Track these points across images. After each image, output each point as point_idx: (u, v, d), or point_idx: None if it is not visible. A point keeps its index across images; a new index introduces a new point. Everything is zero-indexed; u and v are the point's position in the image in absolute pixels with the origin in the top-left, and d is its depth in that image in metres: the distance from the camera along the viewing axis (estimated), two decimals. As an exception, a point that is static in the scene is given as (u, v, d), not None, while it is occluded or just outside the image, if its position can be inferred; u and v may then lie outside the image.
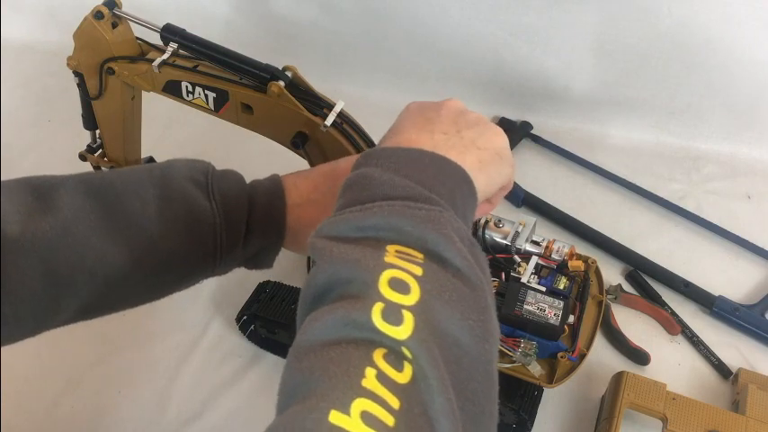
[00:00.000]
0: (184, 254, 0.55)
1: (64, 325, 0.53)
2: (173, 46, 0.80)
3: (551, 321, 0.73)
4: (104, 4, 0.80)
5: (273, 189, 0.59)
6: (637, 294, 0.97)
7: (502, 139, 0.54)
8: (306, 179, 0.61)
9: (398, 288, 0.36)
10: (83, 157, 0.97)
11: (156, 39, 0.81)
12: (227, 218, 0.56)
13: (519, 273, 0.77)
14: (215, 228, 0.55)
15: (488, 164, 0.51)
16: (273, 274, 0.94)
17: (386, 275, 0.36)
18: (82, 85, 0.87)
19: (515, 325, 0.74)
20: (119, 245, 0.51)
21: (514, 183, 1.10)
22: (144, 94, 0.88)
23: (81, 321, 0.55)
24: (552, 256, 0.79)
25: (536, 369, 0.76)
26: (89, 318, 0.55)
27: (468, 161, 0.49)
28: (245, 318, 0.90)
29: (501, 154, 0.53)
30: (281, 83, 0.75)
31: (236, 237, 0.56)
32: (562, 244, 0.80)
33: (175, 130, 1.20)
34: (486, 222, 0.82)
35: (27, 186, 0.51)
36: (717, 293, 0.95)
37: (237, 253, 0.58)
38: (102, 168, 0.98)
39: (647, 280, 0.98)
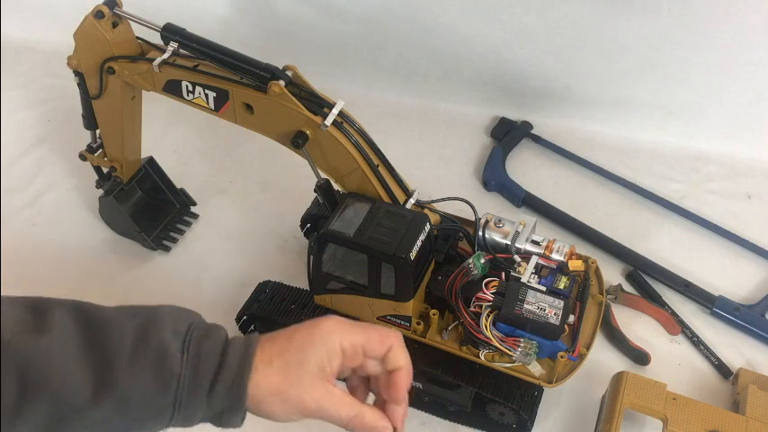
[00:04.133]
0: (143, 395, 0.57)
1: None
2: (173, 45, 0.80)
3: (551, 321, 0.73)
4: (105, 3, 0.80)
5: (245, 352, 0.61)
6: (637, 294, 0.96)
7: None
8: (274, 343, 0.62)
9: None
10: (83, 157, 0.97)
11: (156, 38, 0.82)
12: (193, 372, 0.58)
13: (519, 272, 0.77)
14: (179, 378, 0.58)
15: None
16: (273, 274, 0.95)
17: None
18: (82, 84, 0.87)
19: (515, 324, 0.74)
20: (86, 374, 0.55)
21: (514, 182, 1.12)
22: (144, 93, 0.88)
23: None
24: (552, 255, 0.79)
25: (536, 369, 0.76)
26: None
27: None
28: (245, 318, 0.89)
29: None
30: (282, 82, 0.75)
31: (198, 393, 0.59)
32: (562, 244, 0.80)
33: (175, 130, 1.20)
34: (487, 222, 0.82)
35: (27, 304, 0.55)
36: (717, 293, 0.95)
37: (199, 408, 0.60)
38: (103, 168, 0.98)
39: (647, 280, 0.98)
